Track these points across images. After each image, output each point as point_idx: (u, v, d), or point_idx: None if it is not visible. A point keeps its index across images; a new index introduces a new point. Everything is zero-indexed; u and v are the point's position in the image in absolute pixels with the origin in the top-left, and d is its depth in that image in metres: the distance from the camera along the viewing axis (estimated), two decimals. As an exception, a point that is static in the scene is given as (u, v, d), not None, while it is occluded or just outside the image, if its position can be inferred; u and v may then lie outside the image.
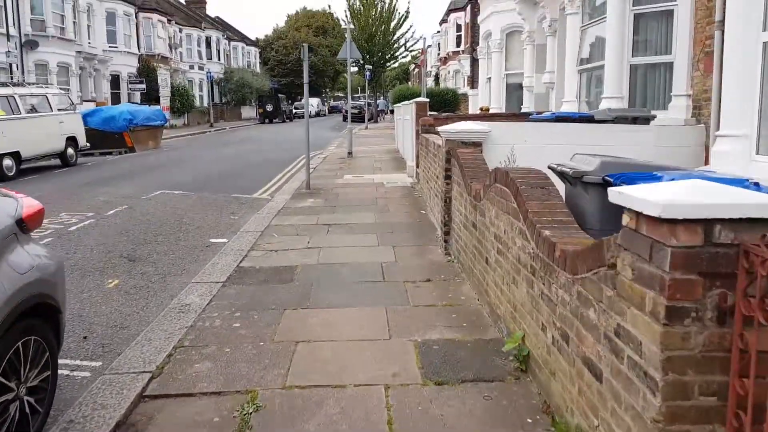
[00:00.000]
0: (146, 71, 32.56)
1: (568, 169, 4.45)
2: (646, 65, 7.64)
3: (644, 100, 7.71)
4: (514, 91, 14.87)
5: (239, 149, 21.33)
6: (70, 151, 15.78)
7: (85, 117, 17.95)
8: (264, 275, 5.52)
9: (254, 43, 56.84)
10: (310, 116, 52.35)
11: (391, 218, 8.19)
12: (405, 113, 15.65)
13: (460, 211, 5.59)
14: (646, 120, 6.70)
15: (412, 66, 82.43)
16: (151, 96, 32.54)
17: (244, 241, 6.92)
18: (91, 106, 24.49)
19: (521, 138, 6.47)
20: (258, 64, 56.87)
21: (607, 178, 4.00)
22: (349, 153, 16.90)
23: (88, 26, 29.86)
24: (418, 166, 11.63)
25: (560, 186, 4.14)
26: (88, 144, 16.62)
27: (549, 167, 4.61)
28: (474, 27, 35.41)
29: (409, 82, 63.02)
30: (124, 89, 32.35)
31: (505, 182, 3.80)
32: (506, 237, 3.78)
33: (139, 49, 34.65)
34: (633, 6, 7.50)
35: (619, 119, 6.60)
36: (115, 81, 32.45)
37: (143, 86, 31.23)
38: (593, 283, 2.31)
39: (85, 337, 4.33)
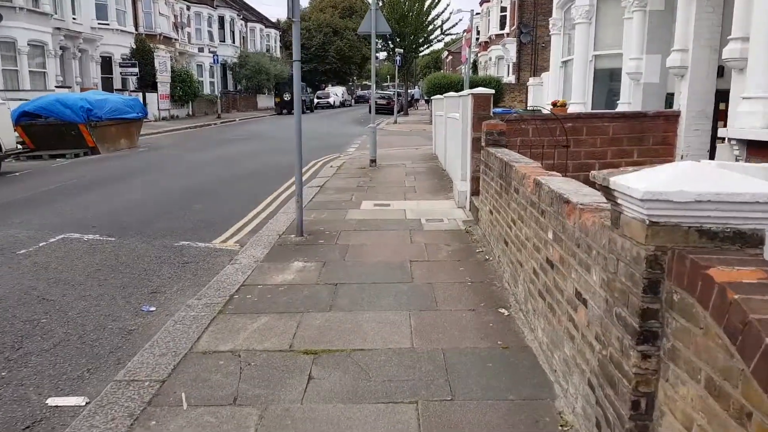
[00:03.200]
0: (141, 53, 28.80)
1: None
2: None
3: None
4: (605, 79, 10.49)
5: (237, 150, 17.34)
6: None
7: (31, 108, 14.14)
8: None
9: (274, 25, 52.89)
10: (334, 106, 48.83)
11: (441, 326, 4.04)
12: (449, 109, 11.41)
13: None
14: None
15: (445, 53, 77.53)
16: (146, 82, 28.83)
17: (114, 413, 2.89)
18: (67, 93, 20.79)
19: None
20: (278, 49, 52.93)
21: None
22: (372, 161, 12.74)
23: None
24: (475, 194, 7.46)
25: None
26: (19, 146, 12.82)
27: None
28: (523, 5, 30.74)
29: (442, 71, 58.27)
30: (117, 74, 28.68)
31: None
32: None
33: (137, 27, 30.92)
34: None
35: None
36: (106, 64, 28.78)
37: (135, 70, 27.50)
38: None
39: None
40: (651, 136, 7.80)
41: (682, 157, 7.47)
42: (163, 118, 30.09)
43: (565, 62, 11.59)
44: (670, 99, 8.70)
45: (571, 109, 10.60)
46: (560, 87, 11.69)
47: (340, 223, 7.33)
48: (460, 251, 5.99)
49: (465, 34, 29.72)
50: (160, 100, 30.00)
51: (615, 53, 9.99)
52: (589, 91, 10.35)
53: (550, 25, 11.69)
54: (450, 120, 10.80)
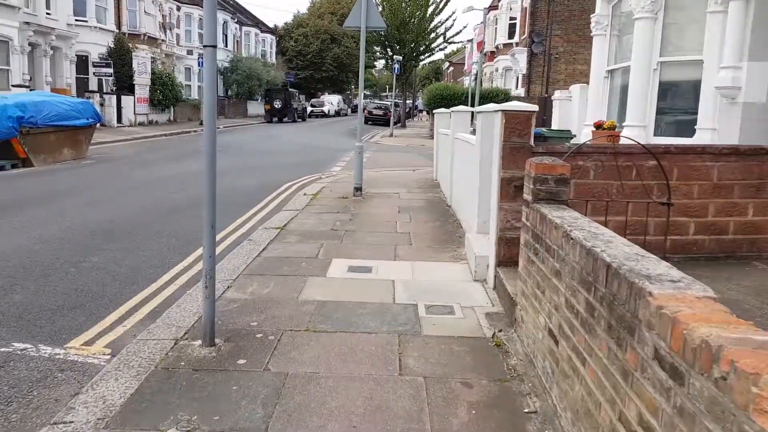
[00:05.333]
0: (119, 52, 26.09)
1: None
2: None
3: None
4: (675, 95, 7.77)
5: (202, 166, 14.52)
6: None
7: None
8: None
9: (271, 30, 50.39)
10: (328, 115, 46.05)
11: None
12: (458, 127, 8.69)
13: None
14: None
15: (446, 64, 75.09)
16: (123, 84, 26.10)
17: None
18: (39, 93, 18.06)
19: None
20: (274, 54, 50.36)
21: None
22: (357, 189, 9.97)
23: (47, -7, 23.54)
24: (506, 264, 4.77)
25: None
26: None
27: None
28: (535, 13, 28.18)
29: (442, 82, 55.75)
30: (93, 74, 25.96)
31: None
32: None
33: (119, 26, 28.27)
34: None
35: None
36: (82, 63, 26.09)
37: (110, 70, 24.75)
38: None
39: None
40: (775, 184, 5.09)
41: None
42: (140, 124, 27.36)
43: (611, 72, 8.88)
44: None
45: (626, 133, 7.87)
46: (604, 103, 8.98)
47: (287, 310, 4.54)
48: (494, 401, 3.20)
49: (475, 35, 27.22)
50: (138, 104, 27.27)
51: (691, 60, 7.29)
52: (651, 110, 7.61)
53: (593, 24, 9.00)
54: (460, 143, 8.07)
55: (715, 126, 6.85)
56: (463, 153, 7.57)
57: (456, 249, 6.54)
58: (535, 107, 5.09)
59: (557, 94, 12.08)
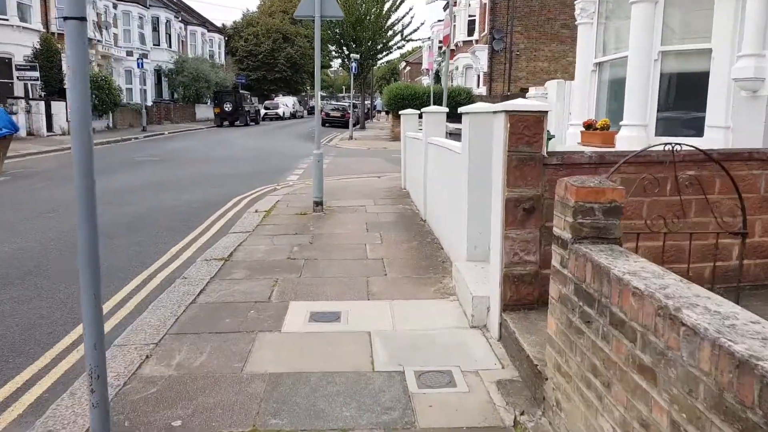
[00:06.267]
0: (47, 54, 23.86)
1: None
2: None
3: None
4: (679, 90, 6.82)
5: (132, 180, 12.95)
6: None
7: None
8: None
9: (219, 29, 48.25)
10: (283, 118, 44.17)
11: None
12: (430, 129, 7.58)
13: None
14: None
15: (403, 64, 74.19)
16: (54, 88, 23.89)
17: None
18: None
19: None
20: (223, 55, 48.25)
21: None
22: (318, 203, 8.69)
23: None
24: (513, 308, 3.64)
25: None
26: None
27: None
28: (495, 9, 27.45)
29: (400, 82, 54.78)
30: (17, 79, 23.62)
31: None
32: None
33: (46, 25, 25.93)
34: None
35: None
36: (5, 67, 23.70)
37: (36, 74, 22.54)
38: None
39: None
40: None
41: None
42: (75, 131, 25.11)
43: (599, 65, 7.93)
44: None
45: (624, 133, 6.89)
46: (591, 100, 8.03)
47: (227, 394, 3.27)
48: None
49: (433, 33, 26.23)
50: (70, 111, 25.02)
51: (697, 49, 6.36)
52: (652, 107, 6.65)
53: (577, 11, 8.02)
54: (436, 150, 6.93)
55: (728, 124, 5.94)
56: (442, 161, 6.43)
57: (441, 280, 5.38)
58: (547, 105, 3.98)
59: (532, 91, 11.14)
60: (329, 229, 7.54)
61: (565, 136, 8.15)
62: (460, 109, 5.01)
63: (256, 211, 8.79)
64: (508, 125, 3.78)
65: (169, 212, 8.96)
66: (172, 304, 4.68)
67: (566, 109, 9.47)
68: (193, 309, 4.62)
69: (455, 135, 8.71)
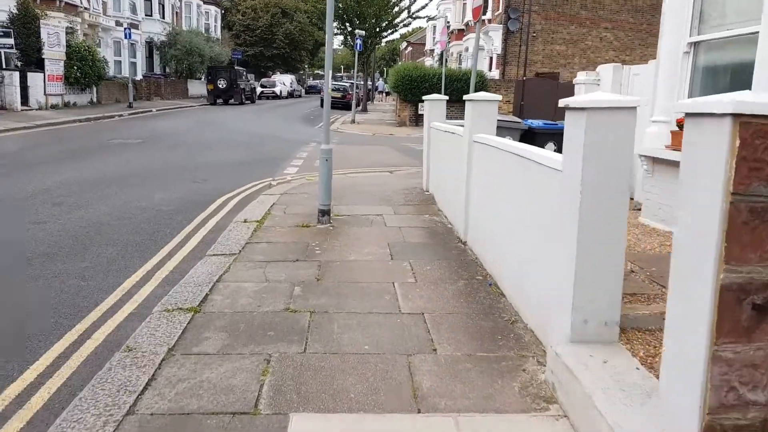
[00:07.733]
0: (23, 20, 21.61)
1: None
2: None
3: None
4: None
5: (105, 168, 10.97)
6: None
7: None
8: None
9: (215, 1, 45.68)
10: (280, 97, 41.14)
11: None
12: (477, 124, 5.67)
13: None
14: None
15: (404, 44, 71.58)
16: (31, 58, 21.70)
17: None
18: None
19: None
20: (218, 29, 45.75)
21: None
22: (324, 212, 6.80)
23: None
24: None
25: None
26: None
27: None
28: (514, -16, 25.25)
29: (402, 62, 52.37)
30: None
31: None
32: None
33: (25, -12, 23.57)
34: None
35: None
36: (-24, 32, 21.45)
37: (10, 41, 20.30)
38: None
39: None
40: None
41: None
42: (53, 106, 22.98)
43: (695, 44, 6.04)
44: None
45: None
46: (683, 91, 6.17)
47: None
48: None
49: (440, 11, 24.12)
50: (49, 83, 22.83)
51: None
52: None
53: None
54: (497, 156, 5.04)
55: None
56: (511, 175, 4.56)
57: (523, 364, 3.52)
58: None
59: (581, 77, 9.24)
60: (341, 254, 5.67)
61: (642, 136, 6.30)
62: (569, 101, 3.12)
63: (246, 221, 6.90)
64: (737, 142, 1.91)
65: (135, 219, 7.06)
66: (92, 417, 2.82)
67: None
68: (128, 427, 2.76)
69: (502, 129, 6.82)
